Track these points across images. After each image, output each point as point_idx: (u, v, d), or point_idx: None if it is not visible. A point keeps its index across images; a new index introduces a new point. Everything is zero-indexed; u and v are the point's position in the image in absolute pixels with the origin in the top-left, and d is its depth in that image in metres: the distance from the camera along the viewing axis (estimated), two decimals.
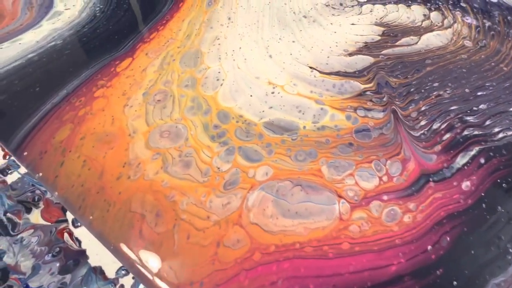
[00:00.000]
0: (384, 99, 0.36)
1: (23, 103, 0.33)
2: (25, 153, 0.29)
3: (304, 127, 0.33)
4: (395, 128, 0.33)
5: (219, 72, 0.38)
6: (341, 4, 0.50)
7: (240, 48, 0.41)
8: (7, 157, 0.45)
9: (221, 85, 0.36)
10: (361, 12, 0.49)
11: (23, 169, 0.43)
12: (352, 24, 0.46)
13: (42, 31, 0.41)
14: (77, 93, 0.34)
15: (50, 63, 0.37)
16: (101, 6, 0.46)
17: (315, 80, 0.38)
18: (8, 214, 0.39)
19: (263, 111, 0.34)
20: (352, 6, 0.50)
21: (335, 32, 0.45)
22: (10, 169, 0.43)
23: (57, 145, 0.30)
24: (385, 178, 0.29)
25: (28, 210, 0.39)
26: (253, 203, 0.27)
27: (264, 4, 0.49)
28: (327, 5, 0.50)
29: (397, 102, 0.36)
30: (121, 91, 0.35)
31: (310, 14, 0.48)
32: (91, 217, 0.25)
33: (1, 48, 0.38)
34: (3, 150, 0.45)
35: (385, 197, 0.28)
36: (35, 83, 0.35)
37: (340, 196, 0.28)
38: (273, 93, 0.36)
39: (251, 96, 0.35)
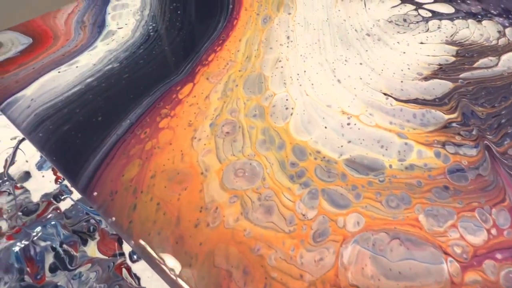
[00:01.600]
0: (474, 132, 0.32)
1: (87, 135, 0.31)
2: (95, 193, 0.27)
3: (390, 165, 0.29)
4: (493, 168, 0.30)
5: (286, 100, 0.35)
6: (404, 20, 0.46)
7: (304, 71, 0.38)
8: (59, 181, 0.43)
9: (291, 114, 0.33)
10: (428, 29, 0.45)
11: (76, 195, 0.42)
12: (421, 43, 0.42)
13: (97, 52, 0.39)
14: (141, 123, 0.32)
15: (109, 89, 0.35)
16: (153, 25, 0.44)
17: (392, 109, 0.34)
18: (65, 246, 0.37)
19: (341, 146, 0.31)
20: (417, 22, 0.46)
21: (404, 53, 0.41)
22: (62, 195, 0.41)
23: (127, 184, 0.27)
24: (494, 231, 0.26)
25: (84, 242, 0.37)
26: (349, 259, 0.24)
27: (322, 21, 0.46)
28: (389, 21, 0.46)
29: (489, 136, 0.32)
30: (187, 122, 0.32)
31: (373, 31, 0.44)
32: (173, 273, 0.23)
33: (59, 72, 0.37)
34: (55, 174, 0.43)
35: (499, 256, 0.24)
36: (97, 112, 0.33)
37: (446, 253, 0.24)
38: (349, 124, 0.33)
39: (325, 128, 0.32)
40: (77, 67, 0.37)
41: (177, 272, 0.23)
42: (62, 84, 0.35)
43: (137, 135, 0.31)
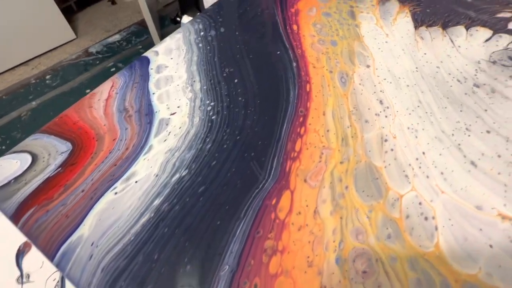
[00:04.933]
0: None
1: None
2: None
3: None
4: None
5: (420, 204, 0.26)
6: (510, 58, 0.38)
7: (423, 153, 0.30)
8: None
9: (436, 229, 0.25)
10: None
11: None
12: None
13: (156, 156, 0.31)
14: (244, 269, 0.24)
15: (186, 214, 0.27)
16: (212, 103, 0.36)
17: None
18: None
19: None
20: None
21: None
22: None
23: None
24: None
25: None
26: None
27: (412, 72, 0.37)
28: (493, 62, 0.37)
29: None
30: (303, 259, 0.24)
31: (479, 79, 0.35)
32: None
33: (116, 193, 0.29)
34: None
35: None
36: (182, 255, 0.25)
37: None
38: None
39: (491, 247, 0.24)
40: (136, 182, 0.29)
41: None
42: (124, 213, 0.27)
43: None
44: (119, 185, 0.29)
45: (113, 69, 1.78)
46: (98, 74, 1.82)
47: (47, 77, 1.82)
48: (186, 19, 0.68)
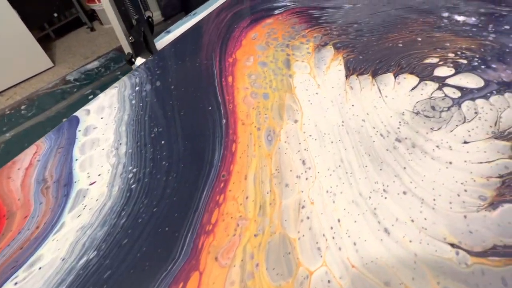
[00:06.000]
0: None
1: None
2: None
3: None
4: None
5: (329, 282, 0.26)
6: (433, 108, 0.38)
7: (339, 220, 0.29)
8: None
9: None
10: (465, 118, 0.36)
11: None
12: (465, 142, 0.34)
13: (66, 235, 0.29)
14: None
15: None
16: (134, 170, 0.34)
17: (471, 273, 0.25)
18: None
19: None
20: (448, 108, 0.38)
21: (450, 163, 0.32)
22: None
23: None
24: None
25: None
26: None
27: (338, 126, 0.37)
28: (416, 113, 0.38)
29: None
30: None
31: (402, 133, 0.35)
32: None
33: (16, 283, 0.27)
34: None
35: None
36: None
37: None
38: None
39: None
40: (40, 268, 0.27)
41: None
42: None
43: None
44: (21, 273, 0.27)
45: (91, 96, 1.76)
46: (75, 102, 1.79)
47: (22, 107, 1.78)
48: (139, 61, 0.68)
